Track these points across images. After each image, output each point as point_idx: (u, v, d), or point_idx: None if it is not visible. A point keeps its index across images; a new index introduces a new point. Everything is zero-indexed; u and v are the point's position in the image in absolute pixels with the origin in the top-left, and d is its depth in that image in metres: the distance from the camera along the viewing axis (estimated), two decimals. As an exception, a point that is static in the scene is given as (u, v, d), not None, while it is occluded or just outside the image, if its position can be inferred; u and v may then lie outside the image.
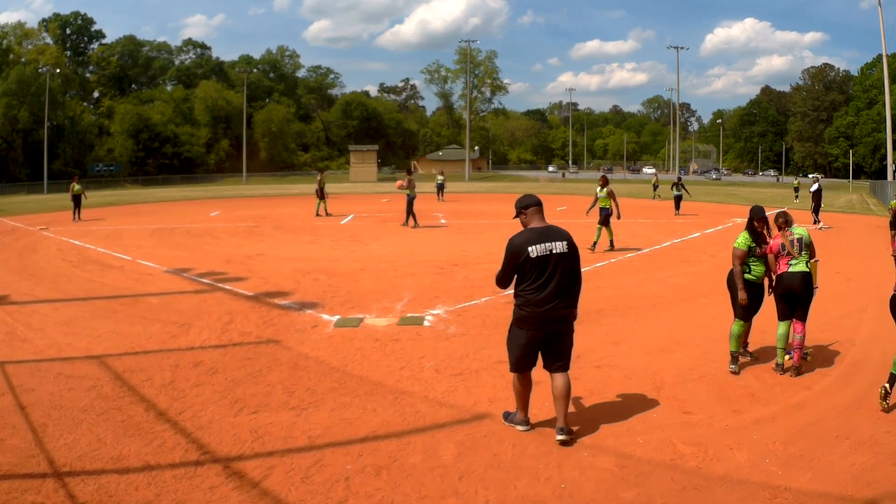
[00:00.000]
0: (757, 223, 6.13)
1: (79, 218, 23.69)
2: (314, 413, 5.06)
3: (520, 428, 4.70)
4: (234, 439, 4.59)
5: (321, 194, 23.79)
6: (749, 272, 6.02)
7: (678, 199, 24.44)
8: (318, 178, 24.49)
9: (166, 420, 4.93)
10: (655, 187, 35.63)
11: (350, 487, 3.91)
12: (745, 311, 6.01)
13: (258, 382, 5.73)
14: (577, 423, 4.81)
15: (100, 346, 6.92)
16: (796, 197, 33.87)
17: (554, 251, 4.42)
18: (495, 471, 4.11)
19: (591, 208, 14.01)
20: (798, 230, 6.12)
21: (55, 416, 4.96)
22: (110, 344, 7.03)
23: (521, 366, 4.58)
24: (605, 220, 13.67)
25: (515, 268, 4.44)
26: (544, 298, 4.41)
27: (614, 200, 13.75)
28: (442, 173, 34.84)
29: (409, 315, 8.21)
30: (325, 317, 8.15)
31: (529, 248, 4.38)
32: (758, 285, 6.08)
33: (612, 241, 13.92)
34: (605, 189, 13.74)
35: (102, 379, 5.85)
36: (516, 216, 4.67)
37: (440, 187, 32.57)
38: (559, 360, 4.58)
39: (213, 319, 8.08)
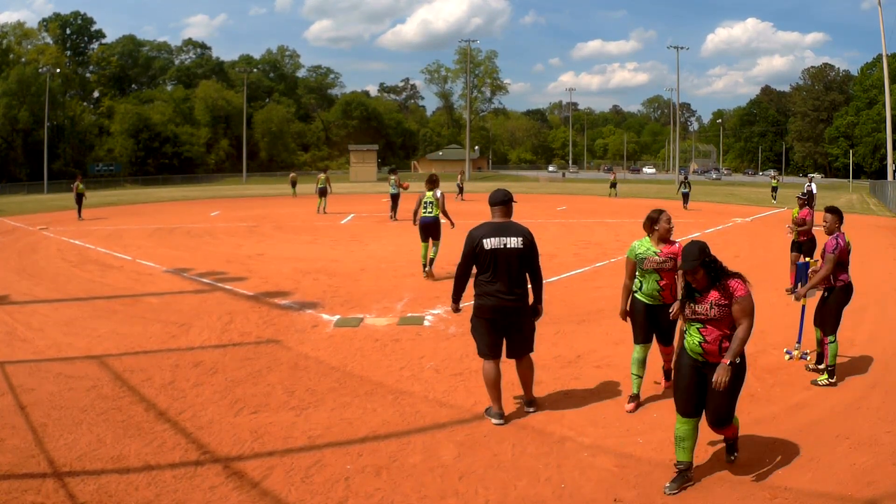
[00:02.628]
0: (648, 227, 5.15)
1: (80, 217, 23.69)
2: (314, 413, 5.06)
3: (494, 421, 4.81)
4: (234, 439, 4.59)
5: (322, 192, 24.93)
6: (639, 289, 5.14)
7: (686, 196, 26.18)
8: (322, 176, 25.98)
9: (166, 420, 4.93)
10: (613, 185, 36.59)
11: (350, 487, 3.92)
12: (638, 333, 5.15)
13: (258, 382, 5.73)
14: (577, 424, 4.82)
15: (100, 346, 6.92)
16: (774, 198, 31.33)
17: (508, 245, 4.75)
18: (495, 471, 4.11)
19: (416, 217, 10.76)
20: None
21: (55, 416, 4.96)
22: (110, 344, 7.03)
23: (486, 352, 4.86)
24: (427, 234, 10.66)
25: (471, 257, 4.80)
26: (496, 289, 4.76)
27: (443, 209, 10.66)
28: (462, 173, 35.38)
29: (409, 315, 8.20)
30: (325, 317, 8.15)
31: (484, 241, 4.74)
32: (648, 306, 5.08)
33: (431, 261, 10.61)
34: (434, 193, 10.69)
35: (102, 379, 5.86)
36: None
37: (460, 189, 33.04)
38: (519, 349, 4.96)
39: (213, 319, 8.08)
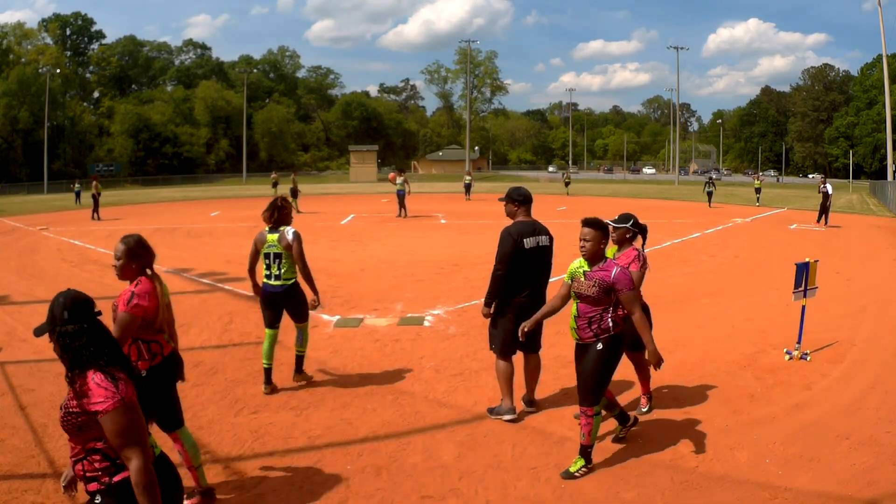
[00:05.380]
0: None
1: (98, 217, 23.78)
2: (314, 413, 5.06)
3: (507, 417, 4.84)
4: (234, 439, 4.59)
5: (294, 193, 25.64)
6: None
7: (710, 195, 27.94)
8: (291, 177, 27.23)
9: (166, 420, 4.92)
10: (567, 184, 38.93)
11: (350, 487, 3.92)
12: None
13: (258, 382, 5.72)
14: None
15: (100, 347, 6.91)
16: (758, 200, 29.84)
17: (541, 244, 4.85)
18: (495, 471, 4.11)
19: (252, 274, 5.90)
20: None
21: (55, 416, 4.94)
22: (110, 344, 7.02)
23: (510, 350, 4.89)
24: (275, 314, 5.56)
25: (513, 256, 4.72)
26: (530, 287, 4.81)
27: (302, 266, 5.43)
28: (470, 174, 35.74)
29: (409, 315, 8.20)
30: (325, 317, 8.15)
31: (525, 240, 4.76)
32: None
33: (300, 359, 5.74)
34: (281, 235, 5.49)
35: (102, 379, 5.84)
36: (507, 202, 4.96)
37: (468, 187, 33.18)
38: (535, 342, 4.99)
39: (213, 319, 8.08)
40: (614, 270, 3.94)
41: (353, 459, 4.27)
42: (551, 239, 4.96)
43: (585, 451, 4.07)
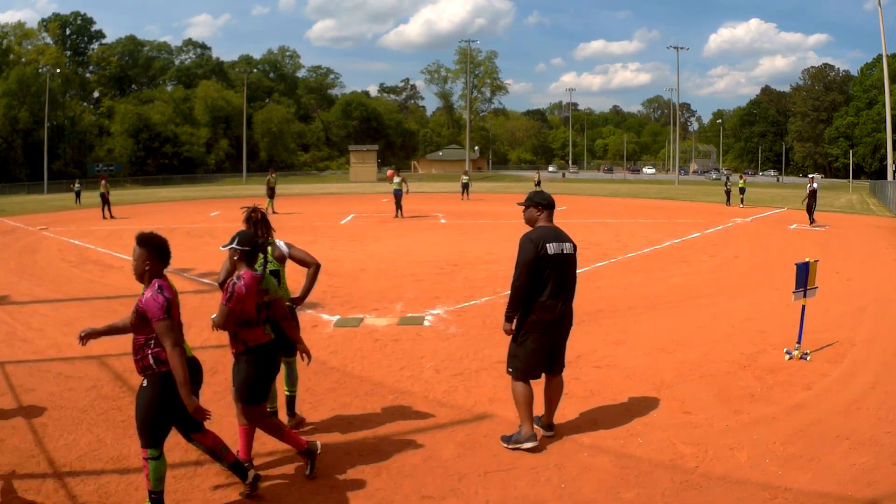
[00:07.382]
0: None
1: (110, 216, 23.89)
2: (314, 413, 5.05)
3: (527, 445, 4.35)
4: (235, 440, 4.58)
5: (271, 193, 25.14)
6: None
7: (728, 194, 28.67)
8: (269, 177, 26.19)
9: (166, 420, 4.92)
10: (538, 183, 38.51)
11: (350, 487, 3.91)
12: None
13: (258, 382, 5.72)
14: (577, 423, 4.81)
15: (100, 346, 6.87)
16: (742, 200, 27.81)
17: (565, 251, 4.38)
18: (495, 471, 4.11)
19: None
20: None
21: (55, 416, 4.96)
22: (110, 344, 6.98)
23: (532, 373, 4.43)
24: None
25: (534, 264, 4.27)
26: (556, 300, 4.34)
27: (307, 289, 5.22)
28: (466, 173, 35.99)
29: (409, 315, 8.20)
30: (325, 317, 8.15)
31: (547, 245, 4.30)
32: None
33: (291, 400, 4.88)
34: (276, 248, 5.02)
35: (102, 379, 5.86)
36: (528, 206, 4.51)
37: (465, 186, 33.23)
38: (560, 362, 4.60)
39: (213, 319, 8.07)
40: (147, 294, 3.41)
41: (353, 459, 4.27)
42: (575, 247, 4.49)
43: (152, 497, 3.48)
